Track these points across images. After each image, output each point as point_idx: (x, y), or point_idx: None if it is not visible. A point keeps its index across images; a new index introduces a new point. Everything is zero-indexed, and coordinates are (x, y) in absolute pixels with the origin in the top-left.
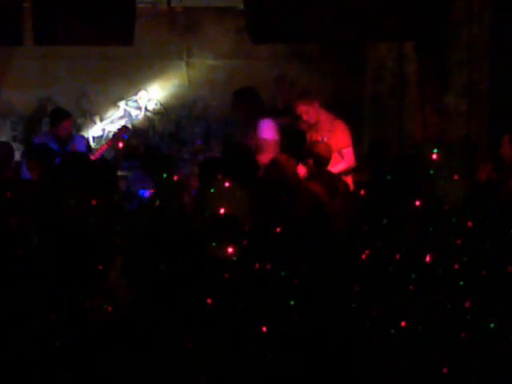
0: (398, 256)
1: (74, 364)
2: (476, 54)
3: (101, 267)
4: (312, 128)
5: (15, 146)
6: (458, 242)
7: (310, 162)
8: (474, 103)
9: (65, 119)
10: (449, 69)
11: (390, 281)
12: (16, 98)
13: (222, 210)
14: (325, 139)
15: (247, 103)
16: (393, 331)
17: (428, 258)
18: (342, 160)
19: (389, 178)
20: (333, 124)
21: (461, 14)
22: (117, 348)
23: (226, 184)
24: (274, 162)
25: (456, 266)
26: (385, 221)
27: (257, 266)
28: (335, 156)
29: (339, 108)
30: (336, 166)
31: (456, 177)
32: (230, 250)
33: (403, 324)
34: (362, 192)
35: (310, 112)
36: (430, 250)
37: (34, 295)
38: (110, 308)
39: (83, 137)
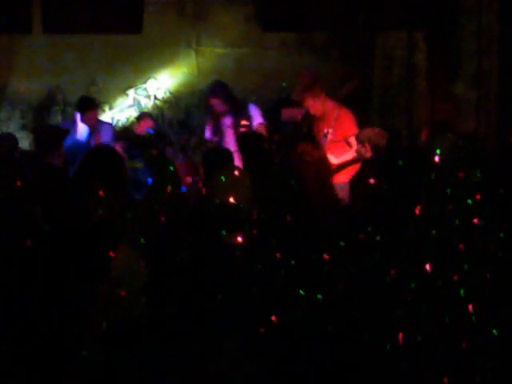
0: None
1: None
2: (485, 44)
3: (112, 254)
4: (318, 119)
5: (24, 134)
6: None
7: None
8: (484, 92)
9: (89, 109)
10: (458, 58)
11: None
12: (25, 87)
13: (230, 199)
14: (330, 130)
15: (226, 95)
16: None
17: (428, 266)
18: (349, 149)
19: (398, 166)
20: (339, 113)
21: (470, 3)
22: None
23: (234, 173)
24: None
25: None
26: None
27: (266, 255)
28: (342, 145)
29: (348, 97)
30: (344, 155)
31: (462, 175)
32: (239, 238)
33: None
34: (372, 181)
35: (316, 105)
36: (431, 256)
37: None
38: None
39: (111, 125)
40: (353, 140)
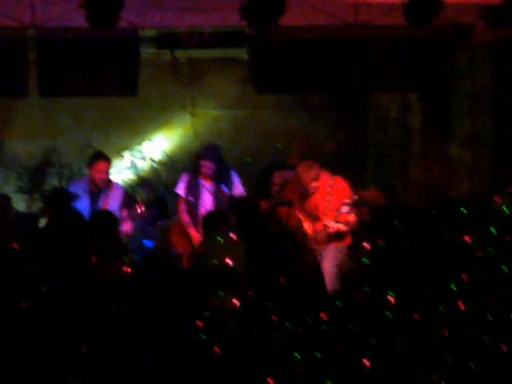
0: None
1: None
2: (479, 104)
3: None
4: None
5: (20, 196)
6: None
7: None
8: (477, 153)
9: (99, 160)
10: (452, 119)
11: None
12: (21, 149)
13: (228, 261)
14: (327, 197)
15: (219, 159)
16: None
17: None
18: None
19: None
20: (333, 179)
21: (463, 64)
22: None
23: (231, 236)
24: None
25: None
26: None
27: (261, 317)
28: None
29: (343, 157)
30: (345, 219)
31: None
32: (236, 301)
33: None
34: (367, 246)
35: (310, 174)
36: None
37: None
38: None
39: (122, 187)
40: (344, 208)
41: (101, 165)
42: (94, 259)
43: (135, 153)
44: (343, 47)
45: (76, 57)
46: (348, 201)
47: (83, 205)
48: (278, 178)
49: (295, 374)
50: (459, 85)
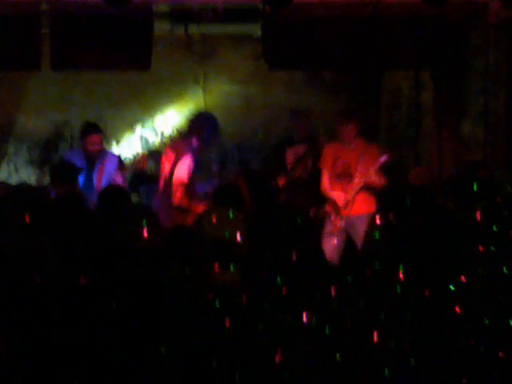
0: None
1: None
2: (492, 82)
3: None
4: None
5: (31, 170)
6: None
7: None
8: (491, 131)
9: (92, 133)
10: (465, 97)
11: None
12: (33, 123)
13: (234, 236)
14: (361, 158)
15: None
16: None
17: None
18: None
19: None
20: (368, 144)
21: (477, 43)
22: None
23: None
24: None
25: None
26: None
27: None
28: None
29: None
30: (351, 188)
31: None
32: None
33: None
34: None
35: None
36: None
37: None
38: None
39: (115, 155)
40: (374, 169)
41: (94, 137)
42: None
43: (146, 127)
44: (357, 25)
45: (89, 31)
46: (379, 163)
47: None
48: (290, 154)
49: (303, 350)
50: (473, 63)
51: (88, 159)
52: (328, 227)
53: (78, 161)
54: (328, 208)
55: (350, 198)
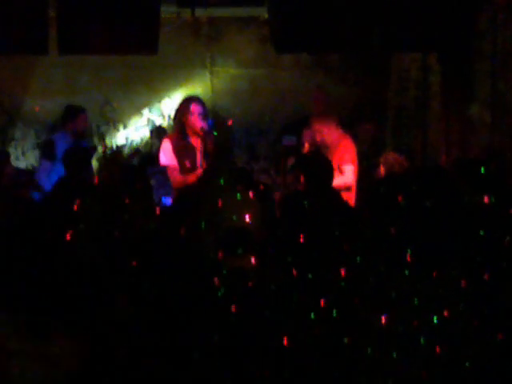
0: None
1: None
2: (500, 65)
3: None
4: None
5: (39, 154)
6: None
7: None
8: (498, 114)
9: (82, 112)
10: (473, 79)
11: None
12: (40, 107)
13: (246, 218)
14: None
15: None
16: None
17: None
18: (339, 176)
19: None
20: (340, 140)
21: (485, 25)
22: None
23: (249, 194)
24: None
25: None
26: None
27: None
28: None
29: (363, 118)
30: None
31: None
32: (253, 260)
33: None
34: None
35: (324, 132)
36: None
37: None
38: None
39: None
40: (346, 168)
41: (84, 116)
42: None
43: (154, 110)
44: (364, 7)
45: (96, 15)
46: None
47: None
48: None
49: (312, 333)
50: (480, 45)
51: (77, 140)
52: None
53: (66, 144)
54: None
55: None
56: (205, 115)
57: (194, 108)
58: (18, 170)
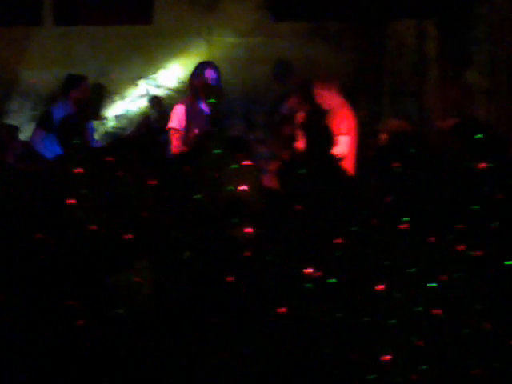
0: None
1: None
2: (497, 31)
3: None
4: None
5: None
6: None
7: (384, 136)
8: (496, 80)
9: (84, 80)
10: (470, 45)
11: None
12: (36, 78)
13: (243, 187)
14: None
15: None
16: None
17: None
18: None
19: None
20: (340, 108)
21: None
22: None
23: (247, 163)
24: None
25: None
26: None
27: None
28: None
29: (360, 85)
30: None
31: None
32: (249, 230)
33: None
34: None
35: (324, 96)
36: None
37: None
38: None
39: None
40: (340, 139)
41: (87, 83)
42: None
43: (150, 81)
44: None
45: None
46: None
47: None
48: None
49: (308, 304)
50: (477, 11)
51: (79, 109)
52: None
53: (66, 112)
54: None
55: None
56: (218, 81)
57: (209, 73)
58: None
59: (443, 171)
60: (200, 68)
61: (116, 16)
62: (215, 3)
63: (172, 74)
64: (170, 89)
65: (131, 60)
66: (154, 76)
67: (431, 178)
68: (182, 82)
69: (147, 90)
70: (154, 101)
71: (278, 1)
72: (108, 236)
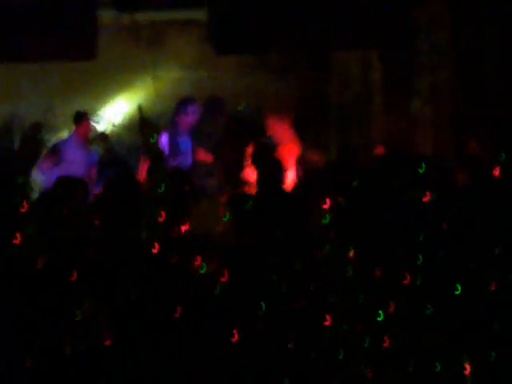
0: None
1: None
2: (439, 60)
3: None
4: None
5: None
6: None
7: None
8: (438, 109)
9: (86, 116)
10: (413, 75)
11: None
12: None
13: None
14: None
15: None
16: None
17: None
18: None
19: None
20: (288, 143)
21: (422, 21)
22: None
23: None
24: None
25: None
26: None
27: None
28: None
29: (306, 116)
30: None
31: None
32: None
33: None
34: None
35: (275, 129)
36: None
37: None
38: None
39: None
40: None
41: (88, 121)
42: None
43: (97, 116)
44: (302, 6)
45: (33, 20)
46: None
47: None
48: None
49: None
50: (418, 41)
51: (83, 145)
52: None
53: (74, 148)
54: None
55: None
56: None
57: (190, 110)
58: None
59: (383, 203)
60: (182, 104)
61: (58, 52)
62: (159, 38)
63: (118, 110)
64: (115, 125)
65: (76, 95)
66: (100, 111)
67: (372, 210)
68: (128, 118)
69: (92, 126)
70: (100, 137)
71: (220, 34)
72: (54, 275)
